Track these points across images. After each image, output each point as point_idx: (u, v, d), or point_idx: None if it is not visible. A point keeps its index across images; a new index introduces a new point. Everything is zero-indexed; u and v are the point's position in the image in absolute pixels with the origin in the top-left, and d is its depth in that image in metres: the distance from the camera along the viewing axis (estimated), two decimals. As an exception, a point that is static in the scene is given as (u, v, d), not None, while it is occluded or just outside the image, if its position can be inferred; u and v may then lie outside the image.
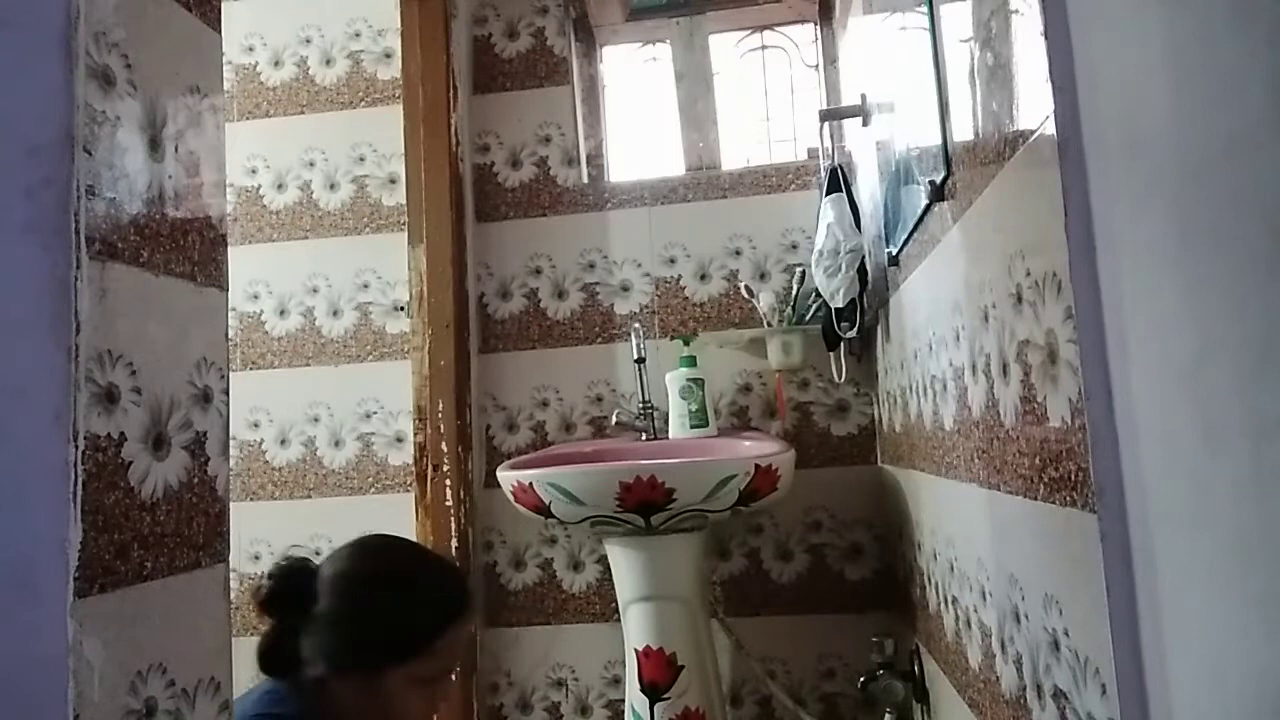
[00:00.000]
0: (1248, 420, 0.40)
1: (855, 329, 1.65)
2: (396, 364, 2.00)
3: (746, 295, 1.93)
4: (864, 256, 1.57)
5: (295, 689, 1.01)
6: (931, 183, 1.00)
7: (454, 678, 1.06)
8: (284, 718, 0.99)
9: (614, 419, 1.83)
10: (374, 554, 1.09)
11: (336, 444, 2.01)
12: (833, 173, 1.63)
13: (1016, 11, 0.66)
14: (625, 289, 2.02)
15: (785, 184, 1.98)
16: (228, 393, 0.63)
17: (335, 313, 2.04)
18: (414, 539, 1.22)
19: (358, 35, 2.11)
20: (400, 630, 1.01)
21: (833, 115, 1.77)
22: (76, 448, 0.48)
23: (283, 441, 2.03)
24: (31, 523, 0.47)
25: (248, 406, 2.04)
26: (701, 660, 1.53)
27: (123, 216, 0.53)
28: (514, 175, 2.09)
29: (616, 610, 1.61)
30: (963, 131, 0.87)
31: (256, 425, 2.04)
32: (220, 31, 0.66)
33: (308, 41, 2.12)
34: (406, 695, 1.01)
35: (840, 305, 1.61)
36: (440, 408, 1.87)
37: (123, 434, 0.52)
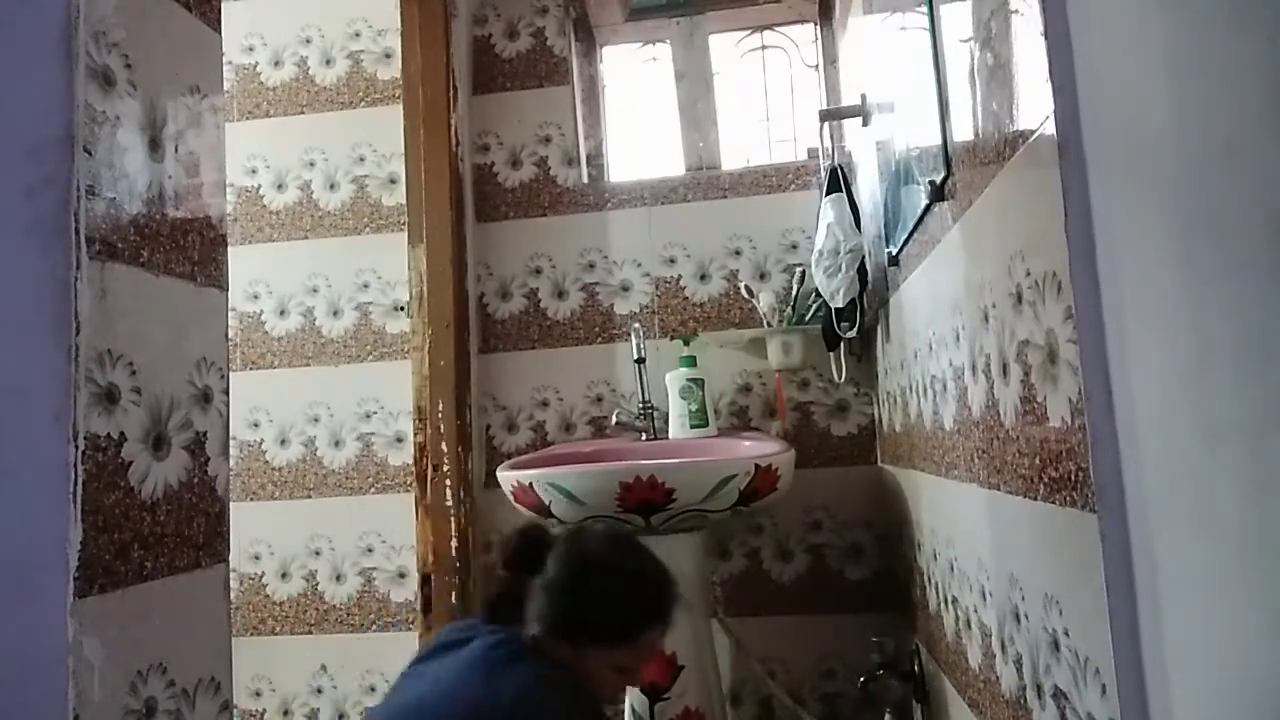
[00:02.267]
0: (1248, 419, 0.40)
1: (855, 329, 1.65)
2: (396, 364, 2.00)
3: (746, 295, 1.93)
4: (864, 256, 1.57)
5: (514, 638, 1.13)
6: (931, 183, 1.00)
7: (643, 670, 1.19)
8: (515, 645, 1.10)
9: (614, 419, 1.83)
10: (604, 542, 1.20)
11: (336, 444, 2.01)
12: (833, 173, 1.63)
13: (1016, 11, 0.66)
14: (625, 289, 2.02)
15: (785, 184, 1.98)
16: (228, 393, 0.63)
17: (335, 313, 2.04)
18: (632, 535, 1.36)
19: (358, 35, 2.10)
20: (611, 620, 1.12)
21: (833, 115, 1.77)
22: (76, 448, 0.48)
23: (283, 441, 2.03)
24: (31, 523, 0.47)
25: (248, 406, 2.04)
26: (701, 660, 1.53)
27: (123, 216, 0.53)
28: (514, 175, 2.09)
29: (616, 610, 1.61)
30: (963, 131, 0.87)
31: (256, 425, 2.04)
32: (220, 31, 0.66)
33: (308, 41, 2.12)
34: (603, 676, 1.12)
35: (840, 305, 1.61)
36: (440, 408, 1.87)
37: (123, 434, 0.52)
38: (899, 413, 1.52)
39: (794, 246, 1.96)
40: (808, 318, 1.89)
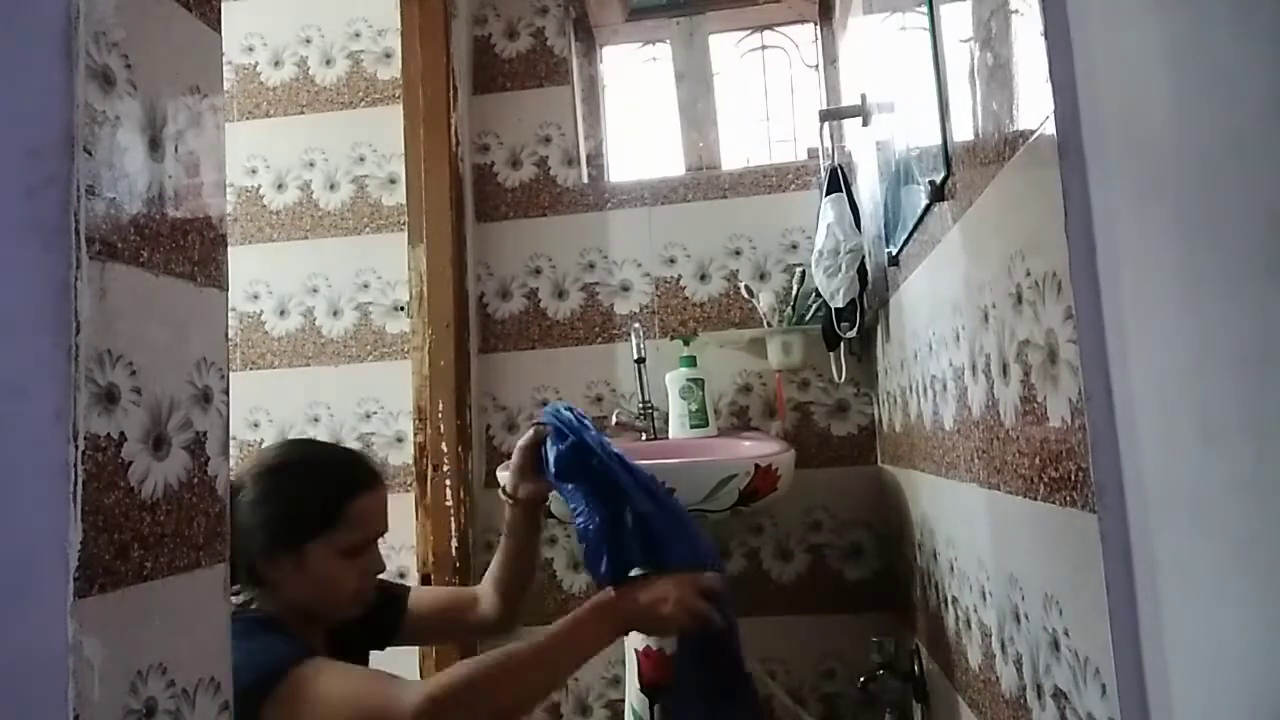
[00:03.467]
0: (1248, 420, 0.40)
1: (855, 329, 1.65)
2: (396, 364, 2.00)
3: (746, 295, 1.93)
4: (864, 256, 1.57)
5: (249, 589, 1.08)
6: (931, 183, 1.00)
7: (378, 547, 1.13)
8: (249, 611, 1.05)
9: (614, 419, 1.83)
10: (272, 449, 1.17)
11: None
12: (833, 173, 1.63)
13: (1016, 11, 0.66)
14: (625, 289, 2.02)
15: (785, 184, 1.98)
16: (228, 393, 0.63)
17: (335, 313, 2.04)
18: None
19: (358, 35, 2.10)
20: (306, 505, 1.07)
21: (833, 115, 1.77)
22: (76, 448, 0.48)
23: (283, 441, 2.03)
24: (31, 523, 0.47)
25: (248, 406, 2.04)
26: (701, 660, 1.53)
27: (123, 216, 0.53)
28: (514, 175, 2.09)
29: (616, 610, 1.61)
30: (963, 131, 0.87)
31: (256, 425, 2.04)
32: (220, 31, 0.66)
33: (308, 41, 2.12)
34: (333, 567, 1.06)
35: (840, 305, 1.61)
36: (440, 408, 1.87)
37: (123, 434, 0.52)
38: (899, 413, 1.52)
39: (794, 246, 1.96)
40: (808, 318, 1.89)
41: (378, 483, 1.13)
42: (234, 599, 1.07)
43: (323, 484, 1.09)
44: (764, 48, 2.27)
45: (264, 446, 1.21)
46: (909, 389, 1.38)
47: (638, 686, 1.51)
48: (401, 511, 1.93)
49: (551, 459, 1.15)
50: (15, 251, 0.48)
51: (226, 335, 0.63)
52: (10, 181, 0.49)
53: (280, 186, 2.09)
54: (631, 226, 2.03)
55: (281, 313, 2.06)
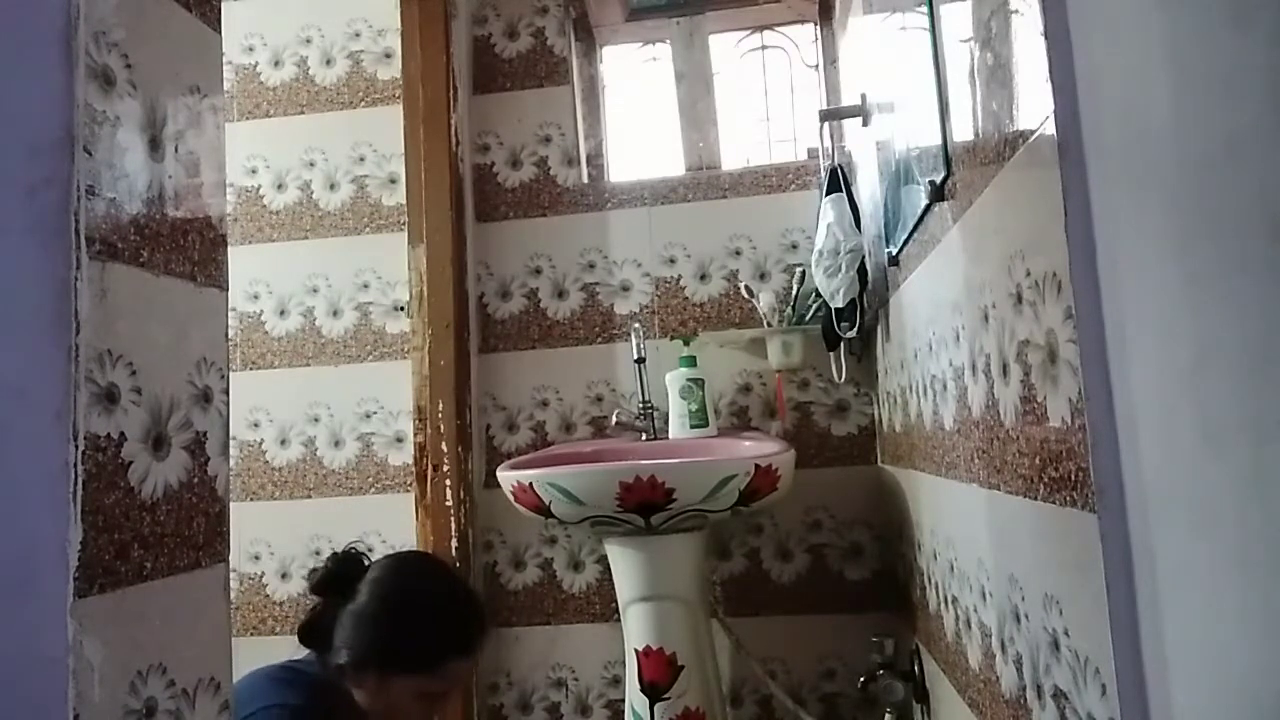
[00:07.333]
0: (1248, 421, 0.40)
1: (855, 329, 1.65)
2: (396, 364, 2.00)
3: (746, 295, 1.93)
4: (864, 256, 1.57)
5: (320, 665, 1.15)
6: (931, 183, 1.00)
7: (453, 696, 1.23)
8: (289, 708, 1.07)
9: (614, 419, 1.83)
10: (413, 570, 1.23)
11: (336, 444, 2.01)
12: (833, 173, 1.63)
13: (1016, 11, 0.66)
14: (625, 289, 2.02)
15: (785, 184, 1.98)
16: (228, 393, 0.63)
17: (335, 313, 2.04)
18: (447, 562, 1.49)
19: (358, 35, 2.10)
20: (416, 646, 1.13)
21: (833, 115, 1.77)
22: (76, 448, 0.48)
23: (283, 441, 2.03)
24: (31, 523, 0.47)
25: (248, 406, 2.04)
26: (701, 660, 1.53)
27: (123, 216, 0.53)
28: (514, 175, 2.09)
29: (616, 610, 1.61)
30: (963, 131, 0.87)
31: (256, 425, 2.04)
32: (220, 31, 0.66)
33: (308, 41, 2.12)
34: (408, 704, 1.13)
35: (840, 305, 1.61)
36: (440, 408, 1.87)
37: (123, 434, 0.52)
38: (899, 413, 1.52)
39: (794, 246, 1.96)
40: (808, 318, 1.89)
41: (482, 644, 1.20)
42: (279, 677, 1.13)
43: (435, 633, 1.15)
44: (764, 48, 2.27)
45: (399, 555, 1.28)
46: (909, 389, 1.38)
47: (638, 686, 1.51)
48: (401, 511, 1.93)
49: None
50: (15, 251, 0.48)
51: (226, 335, 0.63)
52: (10, 181, 0.49)
53: (280, 186, 2.09)
54: (631, 226, 2.03)
55: (281, 313, 2.06)
